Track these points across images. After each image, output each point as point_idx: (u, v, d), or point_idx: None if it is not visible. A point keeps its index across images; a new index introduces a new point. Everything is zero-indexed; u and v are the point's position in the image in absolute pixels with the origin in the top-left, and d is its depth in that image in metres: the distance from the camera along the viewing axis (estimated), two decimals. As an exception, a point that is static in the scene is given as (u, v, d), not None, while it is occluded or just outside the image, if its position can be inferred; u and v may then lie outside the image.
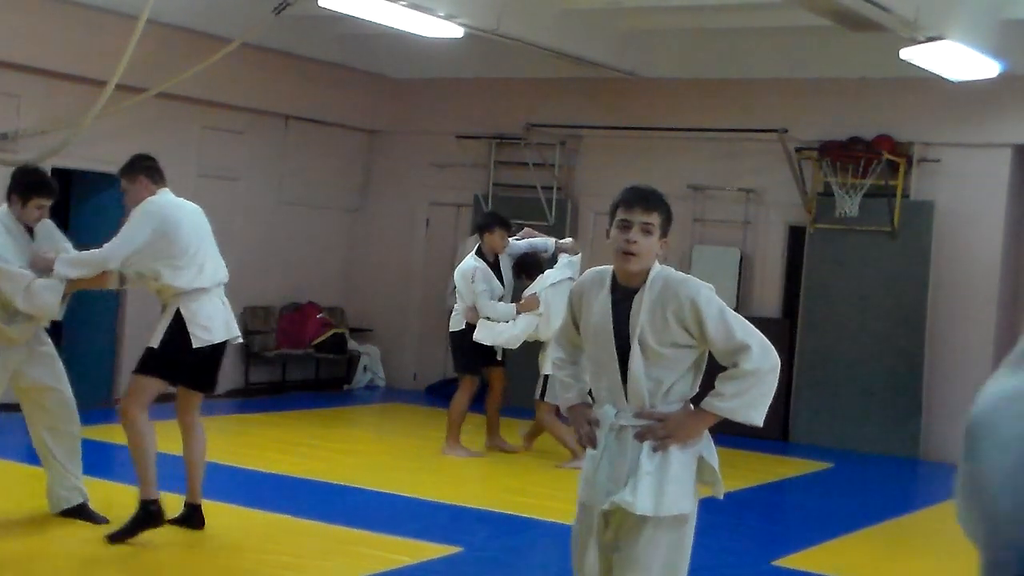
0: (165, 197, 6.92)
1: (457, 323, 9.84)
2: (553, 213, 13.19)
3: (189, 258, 6.70)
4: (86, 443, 9.49)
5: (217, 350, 6.81)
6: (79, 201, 11.90)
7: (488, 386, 10.16)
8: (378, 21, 9.70)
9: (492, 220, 10.02)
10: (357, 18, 9.80)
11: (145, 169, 6.89)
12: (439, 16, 9.39)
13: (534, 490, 8.79)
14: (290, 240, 13.48)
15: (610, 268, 4.04)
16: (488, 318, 9.55)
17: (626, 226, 3.89)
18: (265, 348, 13.09)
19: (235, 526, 7.15)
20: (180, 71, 10.30)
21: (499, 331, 9.52)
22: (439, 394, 13.39)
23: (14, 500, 7.60)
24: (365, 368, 14.06)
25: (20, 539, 6.58)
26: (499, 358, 10.00)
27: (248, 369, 13.08)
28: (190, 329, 6.64)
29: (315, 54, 12.99)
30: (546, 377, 9.31)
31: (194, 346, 6.66)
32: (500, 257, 9.86)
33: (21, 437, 10.07)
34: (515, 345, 9.60)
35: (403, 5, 9.00)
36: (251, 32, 10.29)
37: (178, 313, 6.66)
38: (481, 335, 9.55)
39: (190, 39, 11.15)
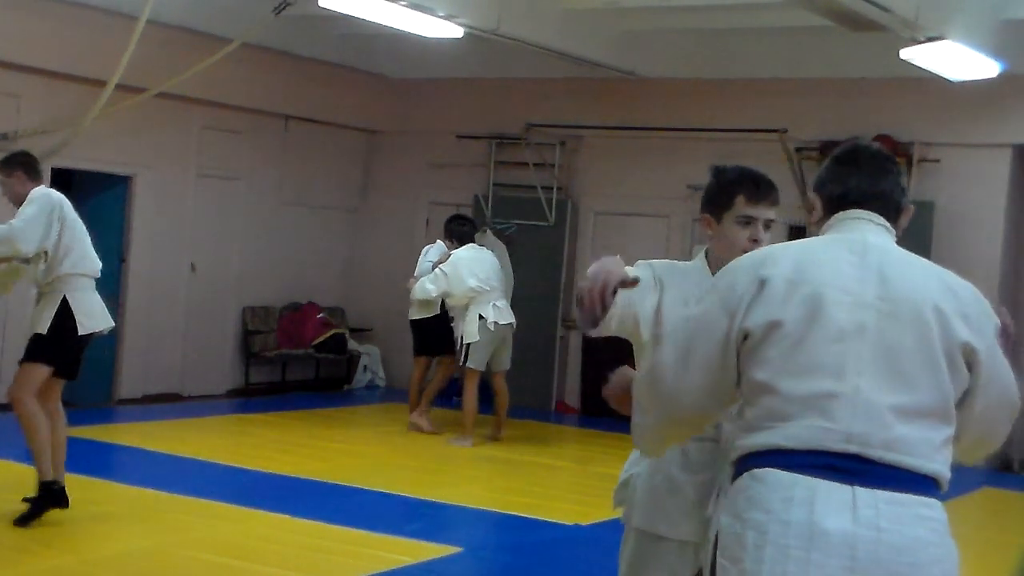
0: (48, 188, 7.03)
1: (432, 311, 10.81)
2: (553, 213, 13.19)
3: (78, 246, 6.89)
4: (86, 443, 9.52)
5: (89, 338, 6.97)
6: (79, 201, 11.81)
7: (435, 371, 11.06)
8: (378, 21, 9.70)
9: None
10: (357, 18, 9.80)
11: (22, 164, 7.00)
12: (439, 16, 9.38)
13: (534, 490, 8.80)
14: (290, 240, 13.48)
15: (697, 264, 3.48)
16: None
17: (749, 222, 3.36)
18: (265, 348, 13.09)
19: (236, 526, 7.14)
20: (180, 71, 10.29)
21: (416, 289, 10.53)
22: (439, 394, 13.39)
23: (15, 499, 7.59)
24: (365, 368, 14.06)
25: (21, 537, 6.57)
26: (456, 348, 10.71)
27: (248, 369, 13.08)
28: (77, 317, 6.86)
29: (315, 54, 12.98)
30: (468, 345, 10.25)
31: (80, 333, 6.87)
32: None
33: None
34: (430, 297, 10.44)
35: (403, 5, 9.00)
36: (251, 32, 10.29)
37: (64, 301, 6.84)
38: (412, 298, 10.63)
39: (190, 39, 11.14)
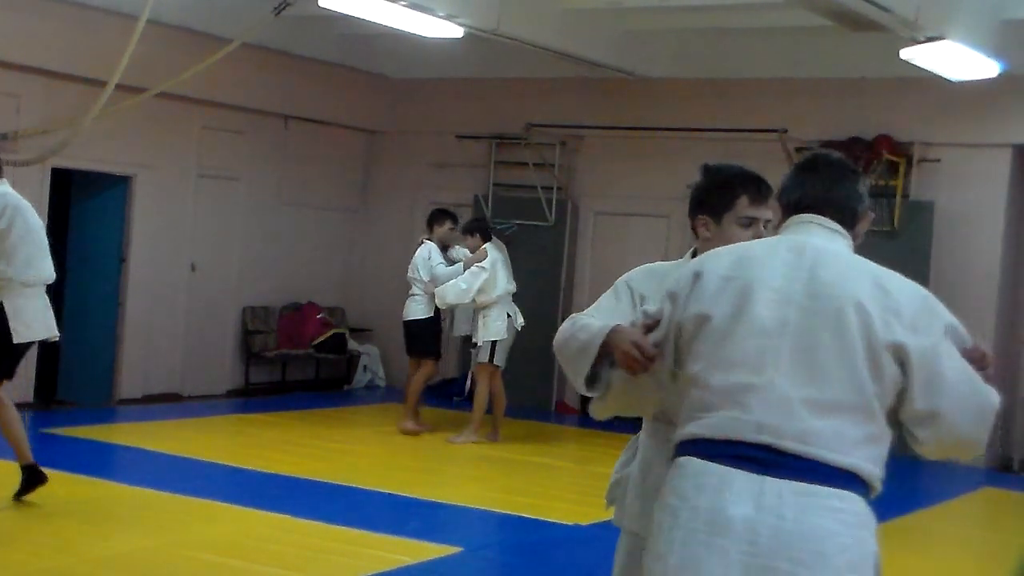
0: (8, 188, 6.91)
1: (416, 311, 10.80)
2: (553, 213, 13.19)
3: (25, 251, 6.77)
4: (86, 443, 9.53)
5: (29, 346, 7.01)
6: (79, 201, 11.91)
7: (417, 371, 10.97)
8: (378, 21, 9.70)
9: (439, 213, 11.12)
10: (357, 18, 9.80)
11: None
12: (439, 16, 9.39)
13: (534, 490, 8.80)
14: (290, 240, 13.48)
15: (679, 264, 3.48)
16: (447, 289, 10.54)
17: (751, 223, 3.38)
18: (265, 348, 13.09)
19: (235, 526, 7.14)
20: (180, 71, 10.29)
21: (448, 288, 10.44)
22: (439, 394, 13.39)
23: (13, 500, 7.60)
24: (365, 368, 14.06)
25: (21, 537, 6.57)
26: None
27: (248, 369, 13.07)
28: (12, 325, 6.84)
29: (315, 54, 12.99)
30: (494, 343, 10.39)
31: (14, 341, 6.85)
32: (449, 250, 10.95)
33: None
34: (466, 299, 10.45)
35: (403, 5, 9.00)
36: (251, 32, 10.28)
37: (1, 307, 6.78)
38: (437, 298, 10.54)
39: (190, 39, 11.14)
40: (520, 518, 7.90)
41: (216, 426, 11.08)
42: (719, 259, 2.88)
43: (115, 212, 11.82)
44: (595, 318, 3.19)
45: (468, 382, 13.31)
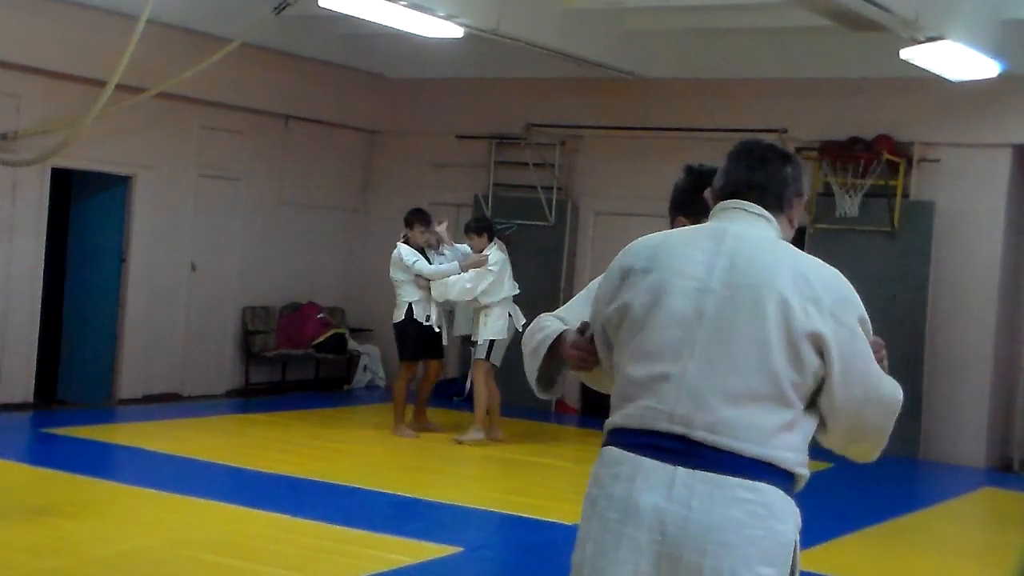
0: None
1: (396, 315, 10.73)
2: (553, 213, 13.19)
3: None
4: (86, 443, 9.53)
5: None
6: (79, 201, 11.91)
7: (426, 375, 11.00)
8: (378, 21, 9.70)
9: (411, 215, 10.91)
10: (357, 18, 9.80)
11: None
12: (439, 16, 9.38)
13: (534, 490, 8.80)
14: (290, 240, 13.48)
15: None
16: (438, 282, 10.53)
17: None
18: (265, 348, 13.09)
19: (235, 526, 7.14)
20: (180, 71, 10.30)
21: (450, 283, 10.40)
22: (439, 394, 13.38)
23: (15, 499, 7.60)
24: (365, 368, 14.05)
25: (21, 537, 6.57)
26: (442, 353, 10.98)
27: (248, 369, 13.07)
28: None
29: (315, 54, 12.99)
30: (491, 342, 10.37)
31: None
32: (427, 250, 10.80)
33: (21, 437, 10.10)
34: (468, 297, 10.44)
35: (403, 5, 9.00)
36: (251, 32, 10.29)
37: None
38: (436, 292, 10.47)
39: (190, 39, 11.15)
40: (520, 518, 7.90)
41: (216, 426, 11.08)
42: (639, 250, 2.88)
43: (115, 212, 11.82)
44: (559, 319, 3.21)
45: (468, 382, 13.33)
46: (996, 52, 9.77)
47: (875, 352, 2.80)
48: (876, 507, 9.20)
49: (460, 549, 6.91)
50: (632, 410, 2.74)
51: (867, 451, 2.91)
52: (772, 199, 2.90)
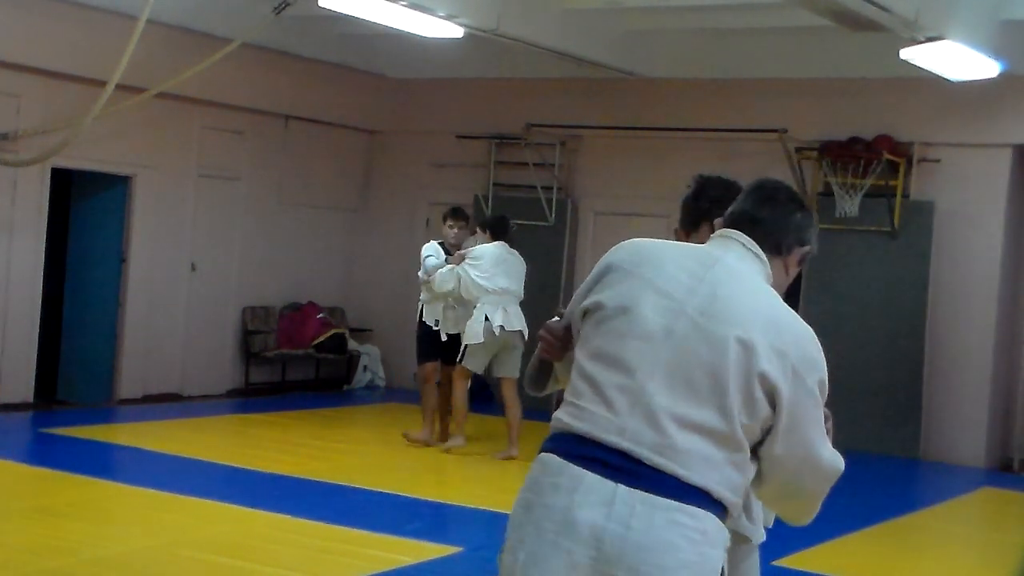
0: None
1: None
2: (553, 213, 13.19)
3: None
4: (86, 443, 9.53)
5: None
6: (79, 201, 11.91)
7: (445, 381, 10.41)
8: (378, 21, 9.70)
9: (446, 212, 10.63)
10: (357, 18, 9.80)
11: None
12: (439, 16, 9.39)
13: (534, 490, 8.78)
14: (290, 240, 13.48)
15: None
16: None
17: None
18: (265, 348, 13.09)
19: (235, 526, 7.14)
20: (180, 71, 10.30)
21: (436, 278, 10.03)
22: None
23: (15, 499, 7.60)
24: (365, 368, 14.05)
25: (20, 537, 6.58)
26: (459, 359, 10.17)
27: (248, 369, 13.07)
28: None
29: (315, 54, 12.99)
30: (464, 346, 9.85)
31: None
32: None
33: (21, 437, 10.10)
34: (446, 288, 9.97)
35: (403, 5, 9.00)
36: (251, 32, 10.29)
37: None
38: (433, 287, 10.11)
39: (190, 39, 11.15)
40: (520, 518, 7.88)
41: (216, 426, 11.08)
42: (628, 251, 2.86)
43: (115, 212, 11.82)
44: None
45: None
46: (996, 52, 9.77)
47: (824, 420, 2.80)
48: (876, 507, 9.20)
49: (460, 549, 6.91)
50: (582, 412, 2.72)
51: (798, 511, 2.89)
52: (771, 240, 2.89)
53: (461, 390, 10.07)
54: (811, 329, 2.79)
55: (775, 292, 2.84)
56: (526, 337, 9.87)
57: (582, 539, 2.63)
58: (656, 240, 2.93)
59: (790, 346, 2.70)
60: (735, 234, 2.88)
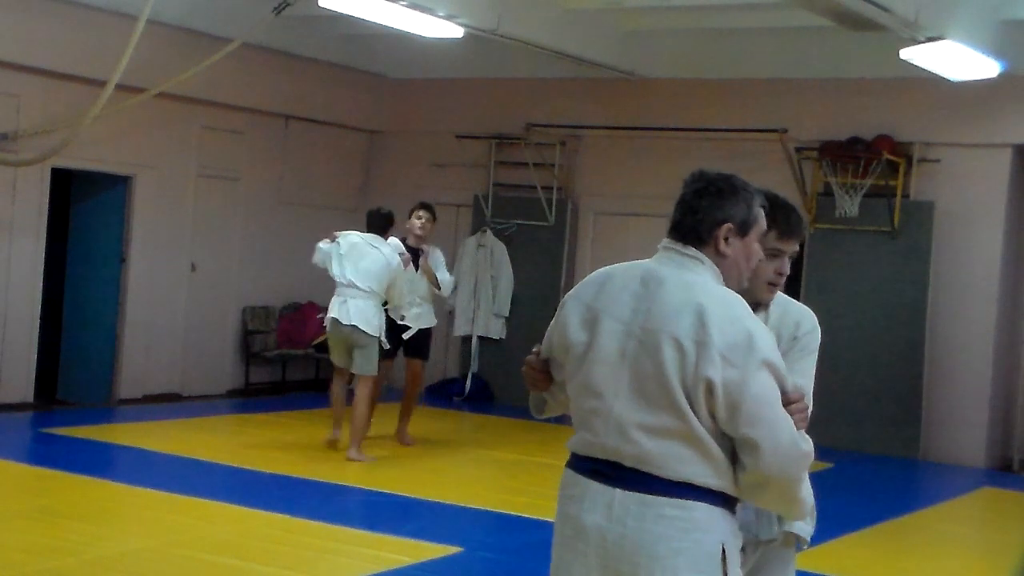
0: None
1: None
2: (553, 213, 13.19)
3: None
4: (86, 443, 9.53)
5: None
6: (79, 201, 11.91)
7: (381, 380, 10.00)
8: (378, 21, 9.70)
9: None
10: (357, 18, 9.80)
11: None
12: (439, 16, 9.39)
13: (534, 490, 8.79)
14: (290, 240, 13.45)
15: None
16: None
17: (777, 255, 3.37)
18: (265, 348, 13.09)
19: (235, 526, 7.14)
20: (180, 71, 10.30)
21: None
22: (439, 394, 13.40)
23: (15, 499, 7.60)
24: (365, 368, 14.03)
25: (21, 537, 6.58)
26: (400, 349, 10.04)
27: (248, 369, 13.07)
28: None
29: (315, 54, 12.99)
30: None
31: None
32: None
33: (21, 437, 10.10)
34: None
35: (403, 5, 9.00)
36: (251, 32, 10.29)
37: None
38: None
39: (190, 39, 11.15)
40: (520, 518, 7.89)
41: (216, 426, 11.07)
42: (586, 287, 3.07)
43: (115, 212, 11.82)
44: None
45: (468, 383, 13.34)
46: (996, 52, 9.77)
47: (794, 400, 2.87)
48: (876, 507, 9.20)
49: (460, 549, 6.91)
50: (578, 438, 3.03)
51: (777, 502, 2.95)
52: (691, 234, 2.99)
53: (361, 395, 9.40)
54: (747, 314, 2.86)
55: (712, 287, 2.91)
56: (376, 334, 9.39)
57: (592, 541, 2.92)
58: (607, 268, 3.10)
59: (715, 335, 2.80)
60: (670, 244, 3.01)
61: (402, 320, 9.95)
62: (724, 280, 2.97)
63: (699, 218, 2.97)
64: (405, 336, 9.99)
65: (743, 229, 2.99)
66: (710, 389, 2.79)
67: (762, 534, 3.46)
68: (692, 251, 2.97)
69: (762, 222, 3.06)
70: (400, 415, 10.29)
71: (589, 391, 2.96)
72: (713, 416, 2.82)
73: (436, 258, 10.17)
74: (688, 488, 2.84)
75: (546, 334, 3.17)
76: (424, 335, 10.18)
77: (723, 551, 2.87)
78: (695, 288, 2.89)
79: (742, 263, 3.02)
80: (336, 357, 9.65)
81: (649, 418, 2.85)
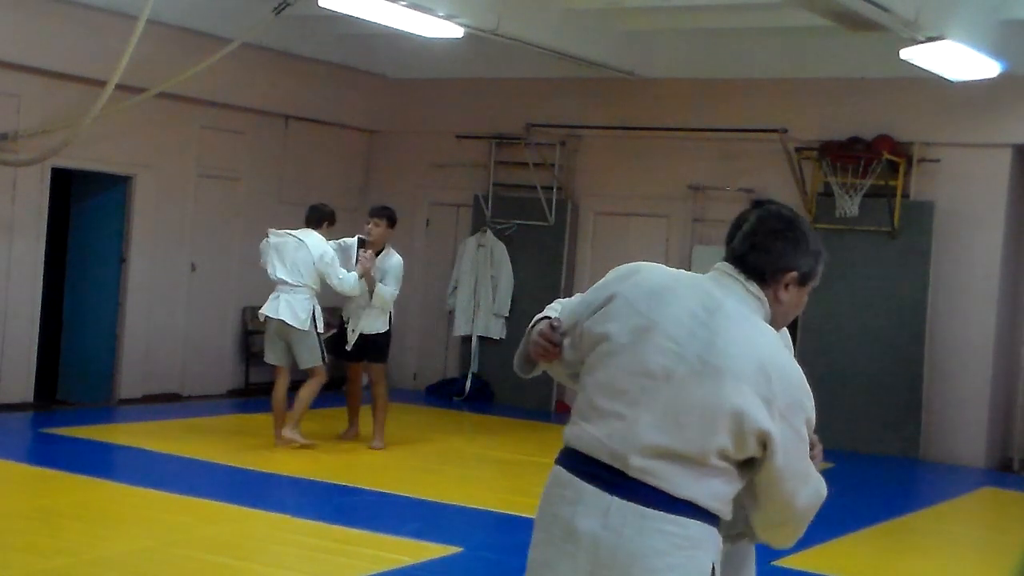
0: None
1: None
2: (553, 213, 13.19)
3: None
4: (86, 443, 9.53)
5: None
6: (79, 201, 11.91)
7: (352, 379, 10.39)
8: (378, 21, 9.70)
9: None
10: (357, 18, 9.80)
11: None
12: (439, 16, 9.39)
13: (534, 490, 8.76)
14: (290, 240, 13.45)
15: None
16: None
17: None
18: (265, 348, 13.07)
19: (235, 526, 7.15)
20: (180, 71, 10.30)
21: None
22: (439, 394, 13.41)
23: (15, 499, 7.60)
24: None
25: (21, 537, 6.58)
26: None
27: (248, 369, 13.06)
28: None
29: (315, 54, 12.99)
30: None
31: None
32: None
33: (21, 437, 10.10)
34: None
35: (403, 5, 9.00)
36: (251, 32, 10.29)
37: None
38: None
39: (190, 39, 11.15)
40: (520, 518, 7.88)
41: (216, 426, 11.07)
42: (638, 287, 2.99)
43: (115, 212, 11.82)
44: (559, 307, 3.32)
45: (468, 383, 13.34)
46: (996, 52, 9.77)
47: (811, 447, 2.97)
48: (876, 507, 9.20)
49: (460, 549, 6.91)
50: (584, 432, 2.96)
51: (787, 536, 3.08)
52: (757, 272, 2.98)
53: (311, 387, 9.82)
54: (800, 370, 2.93)
55: (771, 332, 2.94)
56: (304, 327, 9.58)
57: (583, 546, 2.90)
58: (662, 272, 3.04)
59: (779, 393, 2.85)
60: (736, 273, 2.98)
61: (349, 327, 9.99)
62: (769, 320, 3.00)
63: (770, 259, 2.97)
64: (347, 347, 9.98)
65: (803, 280, 3.03)
66: (764, 442, 2.84)
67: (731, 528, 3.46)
68: (755, 288, 2.97)
69: (818, 278, 3.08)
70: (373, 418, 10.19)
71: (614, 393, 2.92)
72: (748, 459, 2.87)
73: (387, 264, 9.98)
74: (689, 506, 2.86)
75: (570, 308, 3.14)
76: (376, 339, 10.04)
77: (713, 569, 2.91)
78: (759, 336, 2.91)
79: (791, 312, 3.06)
80: (270, 354, 9.78)
81: (675, 442, 2.84)
